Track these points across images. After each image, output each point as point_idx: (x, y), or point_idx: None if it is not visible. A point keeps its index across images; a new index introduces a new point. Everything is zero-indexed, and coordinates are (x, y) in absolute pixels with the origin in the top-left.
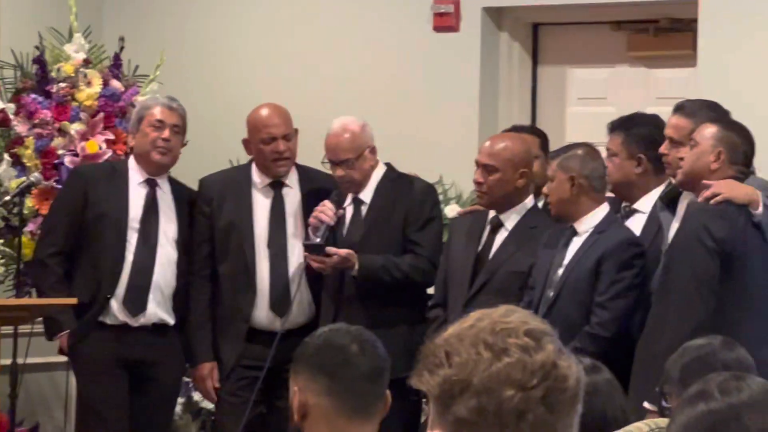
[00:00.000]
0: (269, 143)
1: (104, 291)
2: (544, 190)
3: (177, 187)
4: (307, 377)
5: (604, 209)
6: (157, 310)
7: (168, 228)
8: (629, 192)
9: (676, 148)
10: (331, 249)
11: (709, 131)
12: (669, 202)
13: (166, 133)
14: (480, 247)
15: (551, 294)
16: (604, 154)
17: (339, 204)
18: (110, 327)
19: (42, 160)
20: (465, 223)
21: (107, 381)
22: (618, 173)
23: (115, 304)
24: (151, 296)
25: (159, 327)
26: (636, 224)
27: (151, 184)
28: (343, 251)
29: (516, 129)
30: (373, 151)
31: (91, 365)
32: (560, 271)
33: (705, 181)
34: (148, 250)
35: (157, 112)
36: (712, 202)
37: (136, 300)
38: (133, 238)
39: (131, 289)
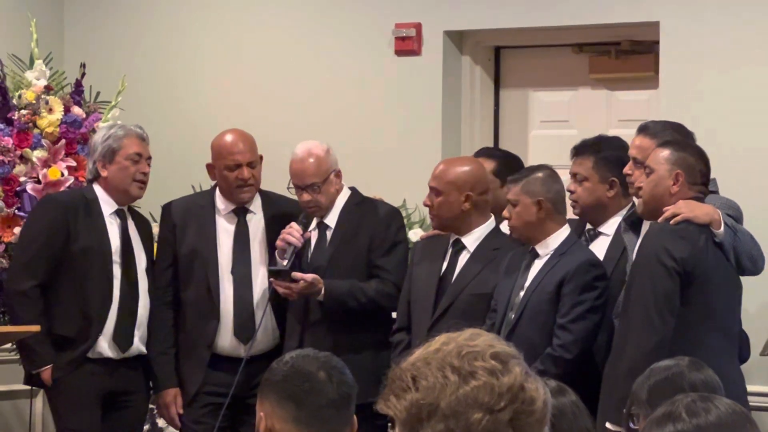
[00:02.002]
0: (234, 170)
1: (95, 327)
2: (505, 213)
3: (136, 217)
4: (273, 403)
5: (565, 231)
6: (139, 343)
7: (140, 258)
8: (599, 215)
9: (639, 168)
10: (297, 274)
11: (662, 155)
12: (633, 223)
13: (145, 167)
14: (443, 270)
15: (512, 316)
16: (563, 176)
17: (306, 227)
18: (95, 361)
19: (3, 188)
20: (427, 247)
21: (87, 416)
22: (590, 197)
23: (104, 341)
24: (135, 330)
25: (137, 358)
26: (601, 246)
27: (121, 215)
28: (309, 276)
29: (485, 152)
30: (338, 175)
31: (74, 400)
32: (521, 294)
33: (666, 208)
34: (130, 284)
35: (134, 145)
36: (672, 222)
37: (125, 335)
38: (116, 272)
39: (120, 324)
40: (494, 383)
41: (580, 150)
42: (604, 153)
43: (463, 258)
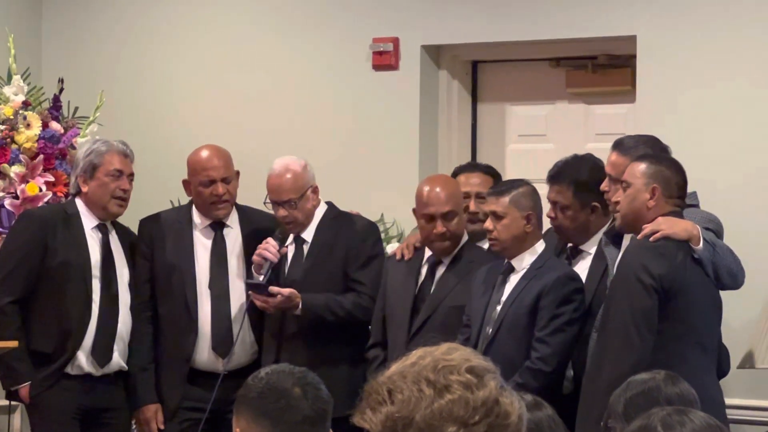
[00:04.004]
0: (208, 186)
1: (73, 342)
2: (488, 225)
3: (120, 230)
4: (249, 420)
5: (541, 245)
6: (119, 359)
7: (123, 272)
8: (582, 236)
9: (615, 184)
10: (274, 288)
11: (639, 169)
12: (614, 237)
13: (125, 184)
14: (419, 285)
15: (489, 331)
16: (540, 192)
17: (282, 242)
18: (73, 377)
19: None
20: (400, 263)
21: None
22: (573, 224)
23: (82, 356)
24: (115, 345)
25: (118, 374)
26: (583, 264)
27: (102, 230)
28: (287, 290)
29: (486, 169)
30: (315, 190)
31: (52, 416)
32: (498, 308)
33: (645, 226)
34: (110, 299)
35: (115, 161)
36: (651, 238)
37: (103, 351)
38: (96, 287)
39: (98, 340)
40: (469, 397)
41: (556, 177)
42: (581, 178)
43: (440, 271)
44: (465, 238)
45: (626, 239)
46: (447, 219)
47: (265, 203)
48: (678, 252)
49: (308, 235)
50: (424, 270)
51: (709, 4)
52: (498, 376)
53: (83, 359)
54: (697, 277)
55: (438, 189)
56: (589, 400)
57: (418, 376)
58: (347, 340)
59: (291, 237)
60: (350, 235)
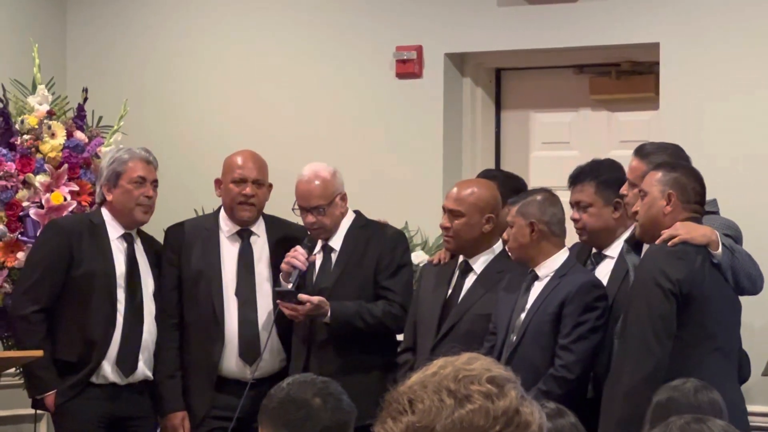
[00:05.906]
0: (239, 184)
1: (97, 352)
2: (504, 235)
3: (145, 239)
4: (270, 429)
5: (564, 253)
6: (145, 368)
7: (147, 282)
8: (607, 238)
9: (633, 189)
10: (303, 296)
11: (655, 177)
12: (635, 244)
13: (149, 191)
14: (449, 292)
15: (514, 338)
16: (564, 198)
17: (311, 250)
18: (99, 386)
19: (6, 213)
20: (434, 269)
21: None
22: (597, 222)
23: (107, 366)
24: (140, 355)
25: (143, 383)
26: (606, 269)
27: (128, 239)
28: (316, 298)
29: (485, 174)
30: (343, 198)
31: (78, 425)
32: (522, 316)
33: (663, 231)
34: (135, 309)
35: (138, 168)
36: (669, 243)
37: (128, 361)
38: (121, 297)
39: (123, 350)
40: (489, 407)
41: (578, 177)
42: (604, 176)
43: (470, 280)
44: (499, 248)
45: (646, 246)
46: (452, 215)
47: (293, 209)
48: (697, 257)
49: (336, 243)
50: (455, 277)
51: (731, 11)
52: (518, 386)
53: (108, 369)
54: (716, 282)
55: (460, 189)
56: (609, 405)
57: (439, 386)
58: (377, 348)
59: (318, 246)
60: (381, 244)
